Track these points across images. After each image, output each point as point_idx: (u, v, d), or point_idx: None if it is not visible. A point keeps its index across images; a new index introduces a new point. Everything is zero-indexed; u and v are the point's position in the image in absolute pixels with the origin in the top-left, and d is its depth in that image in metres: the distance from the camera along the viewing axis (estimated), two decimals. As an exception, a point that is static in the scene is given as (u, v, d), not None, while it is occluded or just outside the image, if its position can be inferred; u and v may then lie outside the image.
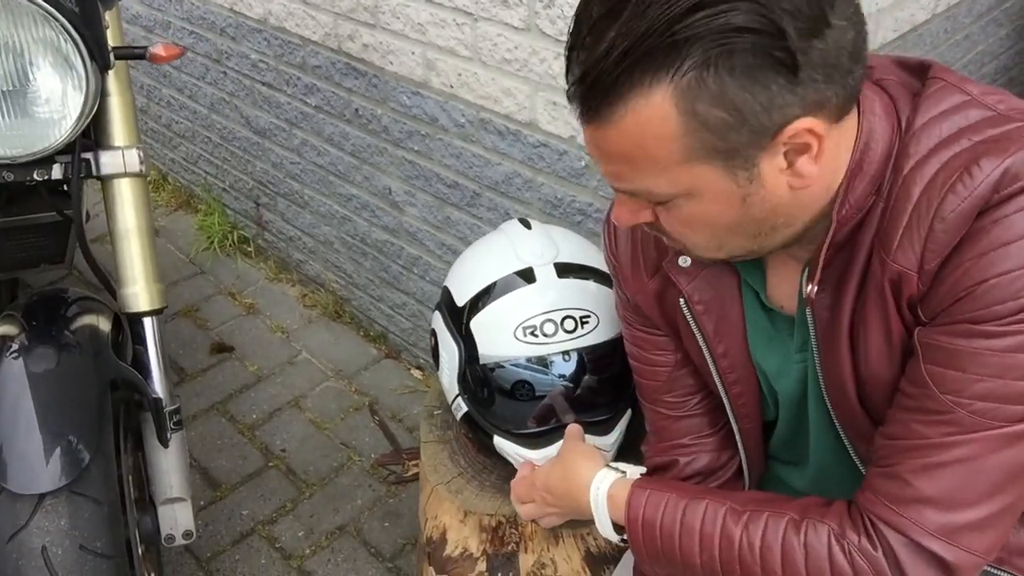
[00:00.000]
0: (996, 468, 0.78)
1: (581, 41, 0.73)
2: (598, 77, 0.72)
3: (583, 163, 1.60)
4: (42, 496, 1.14)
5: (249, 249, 2.82)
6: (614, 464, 1.08)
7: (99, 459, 1.19)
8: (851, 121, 0.79)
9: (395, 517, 1.98)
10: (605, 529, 1.04)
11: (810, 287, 0.85)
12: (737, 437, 1.09)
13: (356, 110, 2.07)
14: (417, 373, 2.35)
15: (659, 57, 0.69)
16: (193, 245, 2.86)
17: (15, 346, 1.26)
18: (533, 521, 1.26)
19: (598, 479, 1.04)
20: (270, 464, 2.12)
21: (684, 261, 0.96)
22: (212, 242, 2.83)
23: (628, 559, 1.30)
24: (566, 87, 0.76)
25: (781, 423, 1.08)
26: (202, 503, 2.01)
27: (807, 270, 0.87)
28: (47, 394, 1.21)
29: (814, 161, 0.75)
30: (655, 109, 0.71)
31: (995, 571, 0.97)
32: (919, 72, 0.84)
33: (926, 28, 2.03)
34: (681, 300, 0.99)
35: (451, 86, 1.77)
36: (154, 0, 2.61)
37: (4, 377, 1.22)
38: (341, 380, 2.36)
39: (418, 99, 1.87)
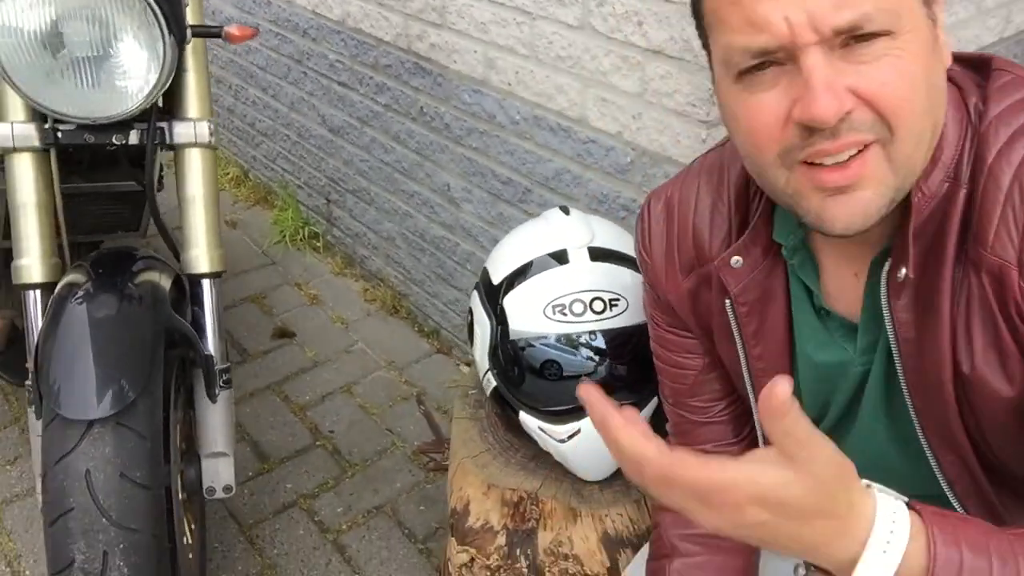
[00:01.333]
0: None
1: None
2: None
3: (628, 159, 1.64)
4: (91, 424, 1.22)
5: (318, 244, 2.93)
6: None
7: (146, 398, 1.28)
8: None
9: (431, 502, 2.03)
10: None
11: (902, 270, 0.79)
12: (761, 444, 1.05)
13: (421, 108, 2.15)
14: (466, 369, 2.40)
15: None
16: (267, 238, 3.00)
17: (80, 293, 1.35)
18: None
19: (891, 509, 0.66)
20: (317, 443, 2.19)
21: (736, 262, 0.93)
22: (284, 236, 2.96)
23: (641, 557, 1.27)
24: None
25: (821, 427, 1.04)
26: (250, 473, 2.09)
27: (888, 263, 0.81)
28: (104, 337, 1.30)
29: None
30: None
31: None
32: (979, 66, 0.82)
33: (993, 50, 2.01)
34: (727, 301, 0.96)
35: (509, 84, 1.84)
36: (244, 3, 2.77)
37: (68, 320, 1.32)
38: (393, 371, 2.43)
39: (478, 97, 1.94)
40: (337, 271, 2.84)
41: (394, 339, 2.55)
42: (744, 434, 1.10)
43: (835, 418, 1.01)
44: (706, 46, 0.80)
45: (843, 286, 0.89)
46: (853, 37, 0.69)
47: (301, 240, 2.96)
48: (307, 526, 1.97)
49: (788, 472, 0.61)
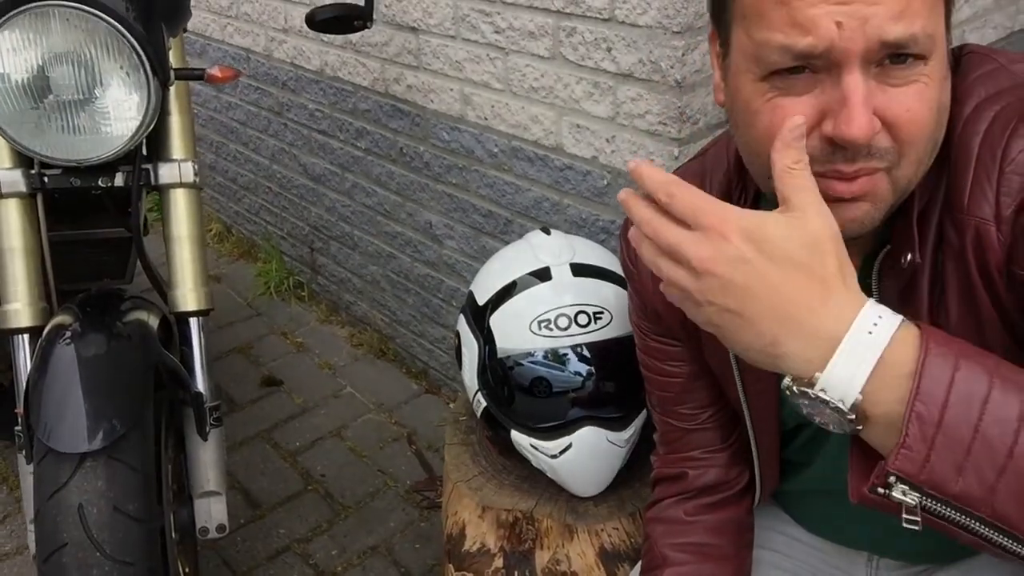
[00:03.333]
0: None
1: None
2: None
3: (605, 182, 1.68)
4: (82, 457, 1.22)
5: (303, 293, 2.95)
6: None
7: (136, 431, 1.28)
8: None
9: (426, 540, 2.01)
10: (844, 386, 0.62)
11: (907, 255, 0.78)
12: (753, 450, 1.06)
13: (401, 149, 2.20)
14: (455, 407, 2.41)
15: None
16: (251, 290, 3.01)
17: (68, 334, 1.36)
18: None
19: (880, 307, 0.65)
20: (309, 487, 2.18)
21: None
22: (269, 287, 2.97)
23: (639, 569, 1.27)
24: None
25: (805, 433, 1.02)
26: (242, 520, 2.07)
27: (884, 251, 0.82)
28: (94, 374, 1.31)
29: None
30: None
31: None
32: (956, 54, 0.84)
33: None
34: None
35: (485, 118, 1.89)
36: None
37: (57, 360, 1.33)
38: (382, 413, 2.43)
39: (456, 133, 1.99)
40: (323, 318, 2.85)
41: (382, 381, 2.55)
42: (731, 440, 1.10)
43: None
44: (723, 34, 0.78)
45: None
46: (893, 56, 0.68)
47: (286, 290, 2.98)
48: (302, 570, 1.95)
49: (778, 214, 0.65)
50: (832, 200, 0.71)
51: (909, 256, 0.78)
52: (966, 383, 0.60)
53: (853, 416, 0.62)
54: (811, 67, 0.70)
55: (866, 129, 0.68)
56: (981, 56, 0.83)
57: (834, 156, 0.71)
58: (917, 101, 0.70)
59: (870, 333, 0.62)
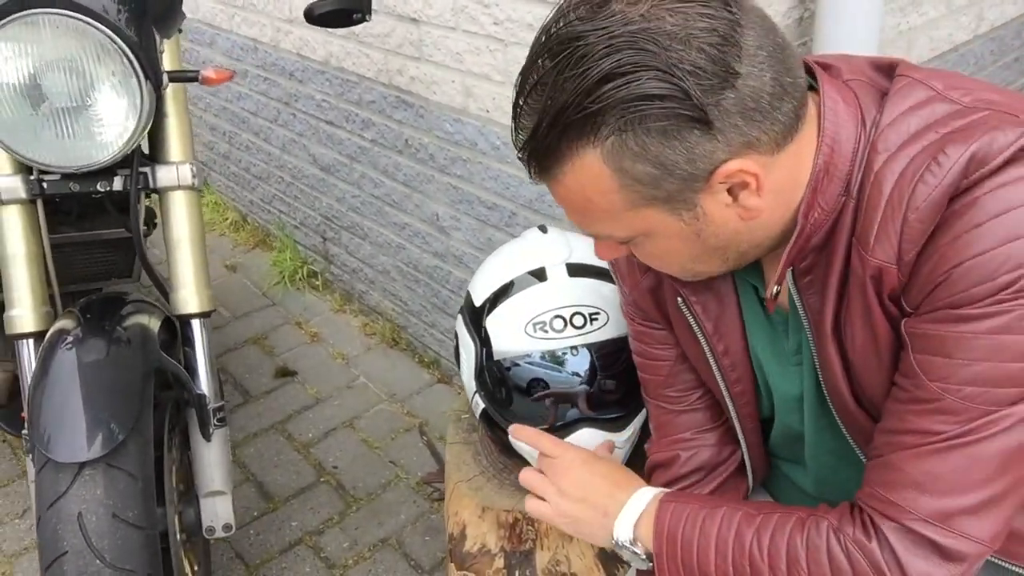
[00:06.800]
0: (990, 454, 0.77)
1: (519, 113, 0.80)
2: (536, 146, 0.79)
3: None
4: (81, 466, 1.24)
5: (317, 283, 2.96)
6: None
7: (136, 438, 1.29)
8: (807, 134, 0.81)
9: (436, 532, 2.02)
10: (626, 541, 1.00)
11: (771, 289, 0.89)
12: (740, 435, 1.10)
13: (406, 140, 2.18)
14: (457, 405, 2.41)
15: (579, 126, 0.75)
16: (267, 280, 3.02)
17: (69, 339, 1.38)
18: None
19: (645, 490, 1.01)
20: (321, 479, 2.20)
21: None
22: (283, 277, 2.99)
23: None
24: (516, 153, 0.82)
25: (778, 423, 1.09)
26: (255, 514, 2.09)
27: (792, 271, 0.88)
28: (93, 380, 1.32)
29: (757, 194, 0.79)
30: (589, 169, 0.77)
31: (1004, 564, 0.94)
32: (887, 71, 0.86)
33: (968, 48, 2.02)
34: (679, 299, 1.00)
35: (487, 110, 1.86)
36: (232, 51, 2.82)
37: (57, 365, 1.34)
38: (394, 403, 2.44)
39: (459, 125, 1.97)
40: (336, 308, 2.86)
41: (395, 371, 2.56)
42: (721, 420, 1.14)
43: (786, 417, 1.06)
44: (690, 199, 0.81)
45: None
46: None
47: (300, 280, 2.99)
48: (314, 563, 1.97)
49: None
50: None
51: (773, 288, 0.89)
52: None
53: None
54: None
55: (602, 257, 0.96)
56: (914, 83, 0.82)
57: None
58: (648, 257, 0.91)
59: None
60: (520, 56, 1.72)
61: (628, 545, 0.98)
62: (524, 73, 0.79)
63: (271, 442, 2.33)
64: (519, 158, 0.82)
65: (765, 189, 0.78)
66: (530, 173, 0.83)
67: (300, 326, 2.80)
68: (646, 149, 0.74)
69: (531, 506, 1.10)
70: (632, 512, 0.99)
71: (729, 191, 0.79)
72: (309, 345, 2.71)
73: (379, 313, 2.70)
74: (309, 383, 2.54)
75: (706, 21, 0.72)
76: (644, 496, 1.00)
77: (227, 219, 3.39)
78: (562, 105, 0.74)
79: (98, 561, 1.21)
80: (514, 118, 0.81)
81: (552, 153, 0.78)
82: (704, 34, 0.72)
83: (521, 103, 0.79)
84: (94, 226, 1.72)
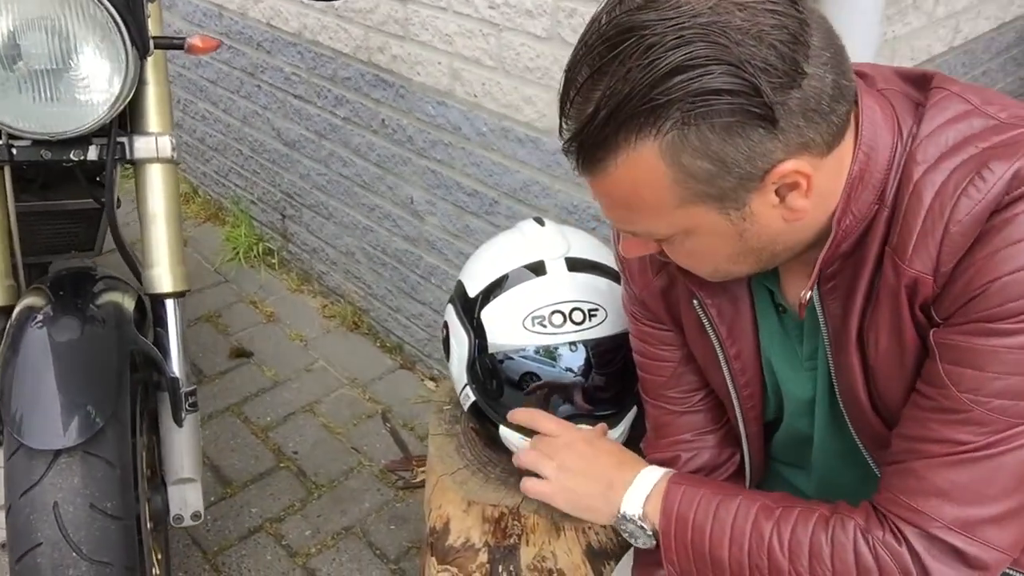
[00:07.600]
0: (1015, 464, 0.79)
1: (570, 102, 0.77)
2: (588, 136, 0.76)
3: (599, 169, 1.64)
4: (57, 453, 1.17)
5: (273, 261, 2.87)
6: None
7: (114, 424, 1.22)
8: (847, 142, 0.81)
9: (401, 521, 1.99)
10: (635, 516, 1.02)
11: (805, 293, 0.88)
12: (742, 437, 1.10)
13: (383, 120, 2.13)
14: (431, 384, 2.38)
15: (642, 118, 0.73)
16: (219, 255, 2.93)
17: (40, 317, 1.30)
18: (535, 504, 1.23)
19: (652, 468, 1.04)
20: (281, 465, 2.14)
21: None
22: (237, 253, 2.89)
23: (627, 560, 1.29)
24: (561, 142, 0.80)
25: (785, 426, 1.09)
26: (212, 499, 2.03)
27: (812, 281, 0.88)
28: (68, 362, 1.25)
29: (805, 196, 0.78)
30: (643, 162, 0.75)
31: (1012, 573, 0.96)
32: (921, 83, 0.86)
33: (943, 60, 2.06)
34: (695, 301, 1.00)
35: (475, 95, 1.82)
36: (194, 15, 2.71)
37: (28, 345, 1.26)
38: (356, 388, 2.39)
39: (443, 109, 1.93)
40: (294, 288, 2.79)
41: (356, 356, 2.51)
42: (722, 422, 1.14)
43: (795, 421, 1.07)
44: (741, 198, 0.79)
45: (798, 287, 0.94)
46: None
47: (255, 257, 2.90)
48: (275, 551, 1.92)
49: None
50: None
51: (805, 293, 0.88)
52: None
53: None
54: None
55: (630, 253, 0.97)
56: (951, 96, 0.83)
57: None
58: (682, 255, 0.89)
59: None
60: (515, 42, 1.69)
61: (636, 520, 1.00)
62: (575, 61, 0.77)
63: (227, 424, 2.25)
64: (564, 149, 0.79)
65: (814, 191, 0.78)
66: (576, 164, 0.80)
67: (255, 305, 2.72)
68: (707, 145, 0.73)
69: (528, 486, 1.12)
70: (642, 487, 1.01)
71: (777, 191, 0.78)
72: (265, 325, 2.64)
73: (340, 295, 2.64)
74: (266, 365, 2.47)
75: (775, 19, 0.71)
76: (653, 473, 1.02)
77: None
78: (625, 95, 0.72)
79: (74, 554, 1.14)
80: (562, 106, 0.79)
81: (606, 144, 0.76)
82: (775, 31, 0.71)
83: (573, 94, 0.77)
84: (60, 195, 1.62)
